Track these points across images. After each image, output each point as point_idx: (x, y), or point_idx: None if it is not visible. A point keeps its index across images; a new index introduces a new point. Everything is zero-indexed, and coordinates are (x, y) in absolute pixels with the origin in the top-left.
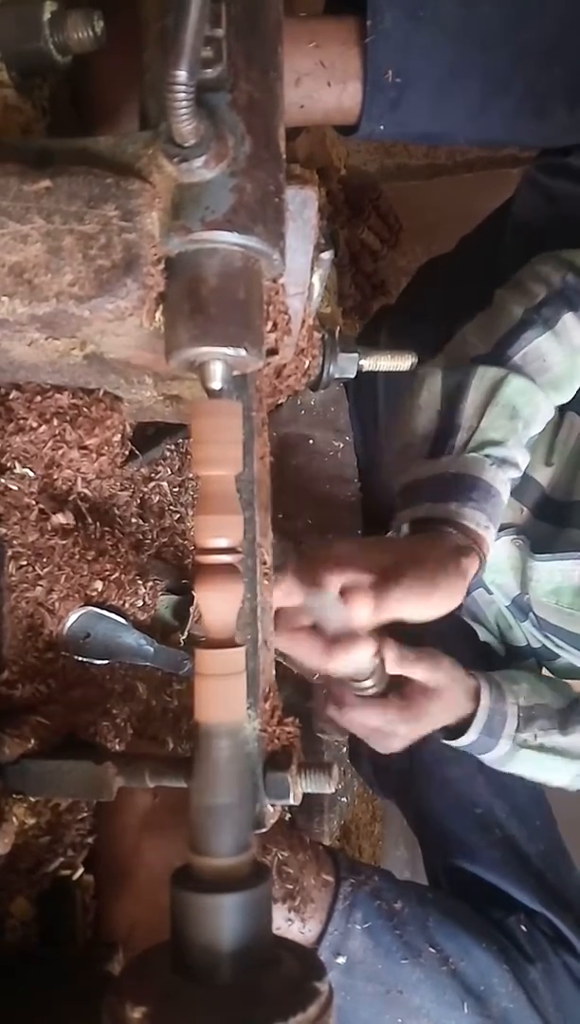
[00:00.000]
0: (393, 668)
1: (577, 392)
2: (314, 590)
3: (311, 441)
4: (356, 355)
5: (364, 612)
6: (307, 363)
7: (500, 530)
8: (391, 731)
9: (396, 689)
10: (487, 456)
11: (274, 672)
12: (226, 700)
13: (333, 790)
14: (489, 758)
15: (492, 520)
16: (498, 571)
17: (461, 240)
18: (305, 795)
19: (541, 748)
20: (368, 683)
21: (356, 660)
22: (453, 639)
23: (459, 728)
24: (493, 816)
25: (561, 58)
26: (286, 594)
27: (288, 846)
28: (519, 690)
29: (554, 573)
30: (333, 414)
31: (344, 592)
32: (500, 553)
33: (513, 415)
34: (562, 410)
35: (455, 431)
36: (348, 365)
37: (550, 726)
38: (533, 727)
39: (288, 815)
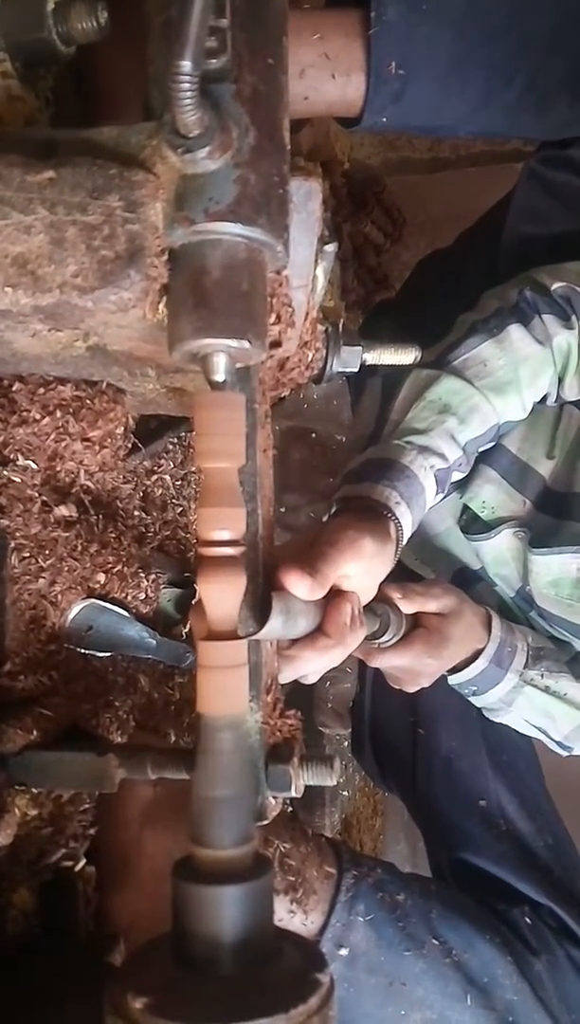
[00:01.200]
0: (406, 607)
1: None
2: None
3: (314, 434)
4: (359, 348)
5: (303, 586)
6: (310, 356)
7: (502, 523)
8: (421, 667)
9: (414, 627)
10: (408, 443)
11: (276, 665)
12: (228, 692)
13: (334, 783)
14: (492, 697)
15: (405, 499)
16: (502, 563)
17: (462, 234)
18: (306, 788)
19: (547, 690)
20: (386, 637)
21: (351, 631)
22: None
23: (466, 662)
24: (500, 809)
25: (562, 51)
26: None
27: (290, 838)
28: (527, 630)
29: (552, 566)
30: (336, 407)
31: (280, 574)
32: (501, 545)
33: (443, 410)
34: (561, 403)
35: (384, 425)
36: (351, 358)
37: (557, 668)
38: (541, 665)
39: (289, 809)
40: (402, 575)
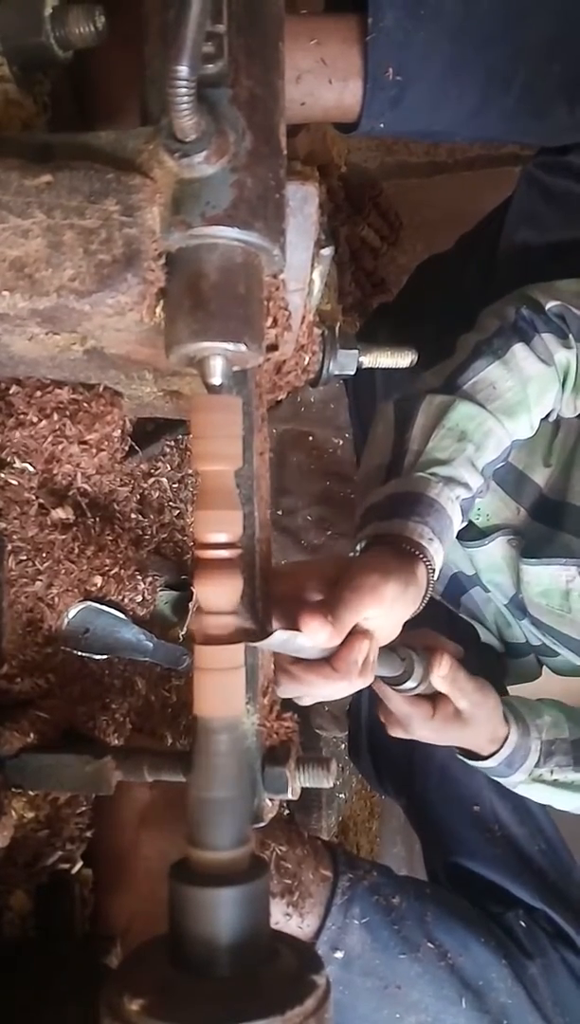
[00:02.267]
0: (441, 686)
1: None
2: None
3: (311, 438)
4: (356, 352)
5: (322, 634)
6: (307, 359)
7: (497, 530)
8: (408, 727)
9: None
10: (433, 475)
11: (273, 668)
12: (225, 695)
13: (331, 784)
14: (501, 781)
15: (437, 534)
16: (495, 570)
17: (460, 238)
18: (303, 791)
19: (555, 783)
20: (408, 685)
21: (362, 670)
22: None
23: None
24: (493, 814)
25: (560, 56)
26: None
27: (286, 841)
28: (542, 724)
29: (542, 576)
30: (333, 411)
31: (299, 622)
32: (495, 553)
33: (461, 437)
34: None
35: (404, 455)
36: (348, 362)
37: (567, 762)
38: (551, 762)
39: (286, 812)
40: None
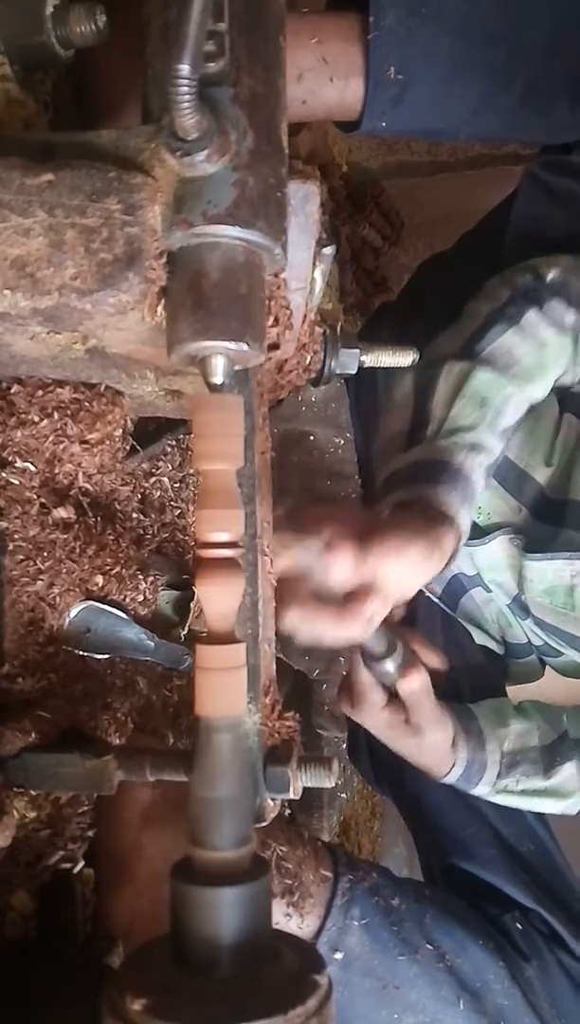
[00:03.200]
0: (404, 695)
1: (576, 394)
2: (302, 538)
3: (312, 437)
4: (357, 351)
5: (346, 565)
6: (308, 359)
7: (497, 529)
8: (359, 707)
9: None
10: (456, 442)
11: (274, 667)
12: (226, 694)
13: (333, 784)
14: (471, 792)
15: (465, 500)
16: (497, 570)
17: (462, 237)
18: (305, 791)
19: (523, 793)
20: (385, 668)
21: (369, 623)
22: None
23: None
24: (483, 814)
25: (562, 54)
26: (281, 544)
27: (287, 841)
28: (506, 735)
29: (546, 573)
30: (334, 411)
31: (329, 545)
32: (497, 552)
33: (482, 404)
34: (561, 411)
35: (426, 423)
36: (349, 361)
37: (534, 771)
38: (516, 773)
39: (288, 811)
40: None
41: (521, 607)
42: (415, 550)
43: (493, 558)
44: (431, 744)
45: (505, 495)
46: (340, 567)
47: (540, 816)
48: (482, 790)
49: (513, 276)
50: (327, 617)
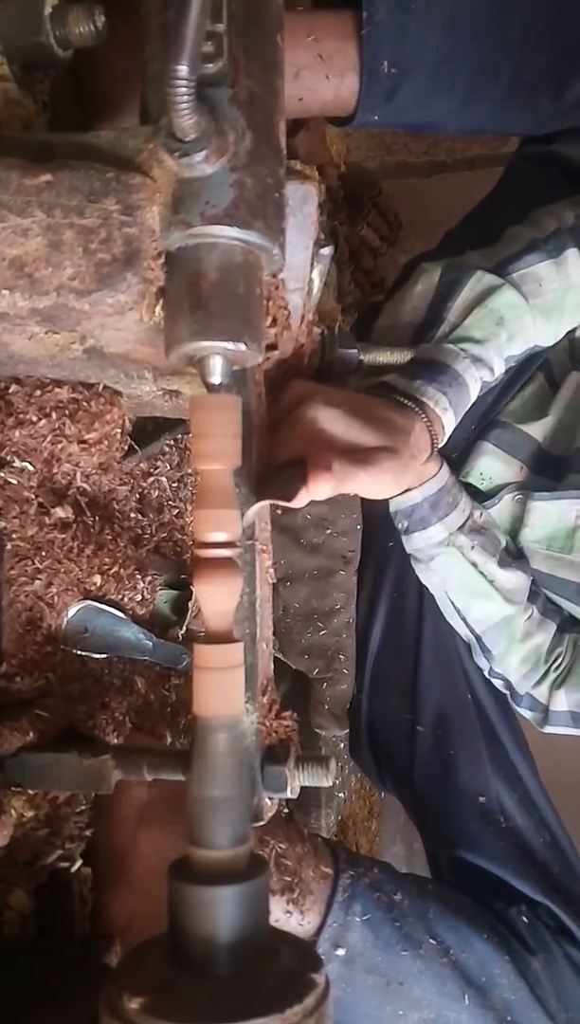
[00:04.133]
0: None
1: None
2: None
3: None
4: (355, 351)
5: (323, 485)
6: (306, 358)
7: (501, 490)
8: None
9: None
10: (463, 350)
11: (272, 667)
12: (224, 694)
13: (330, 783)
14: (418, 542)
15: (453, 407)
16: (503, 532)
17: (446, 235)
18: (302, 790)
19: (473, 565)
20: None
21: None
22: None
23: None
24: (499, 805)
25: (546, 46)
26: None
27: (286, 838)
28: (483, 510)
29: (551, 515)
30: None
31: (309, 469)
32: (505, 512)
33: (499, 322)
34: (572, 368)
35: (439, 323)
36: (347, 361)
37: (492, 553)
38: (474, 539)
39: (285, 810)
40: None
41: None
42: (390, 478)
43: (502, 518)
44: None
45: (505, 456)
46: (321, 492)
47: (553, 808)
48: (437, 532)
49: (563, 210)
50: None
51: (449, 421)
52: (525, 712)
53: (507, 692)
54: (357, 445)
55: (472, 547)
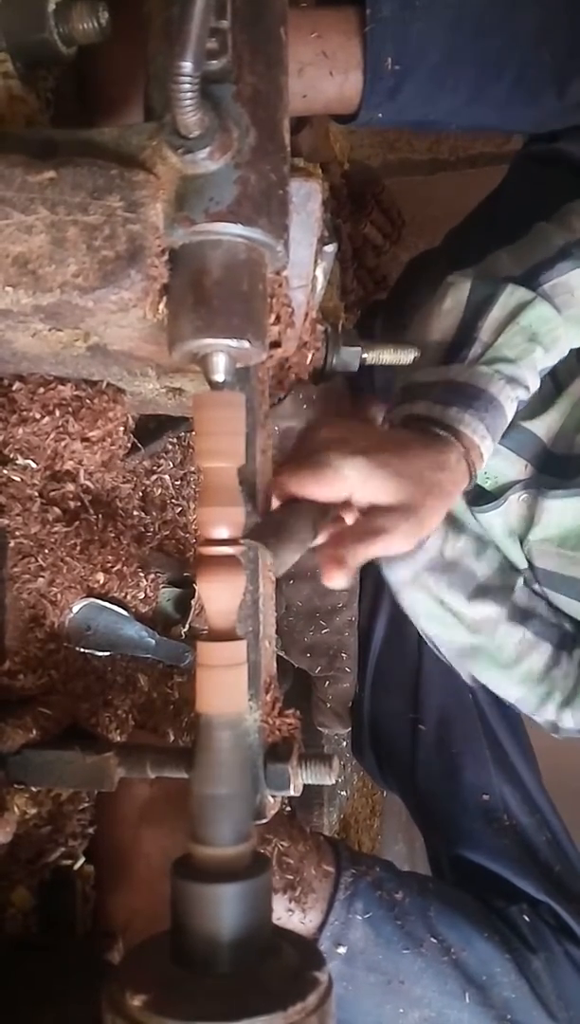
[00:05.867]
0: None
1: None
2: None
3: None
4: (359, 349)
5: (336, 578)
6: (310, 356)
7: (507, 489)
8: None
9: None
10: (497, 372)
11: (275, 664)
12: (227, 691)
13: (333, 781)
14: (387, 575)
15: (491, 432)
16: (508, 534)
17: (449, 233)
18: (305, 788)
19: (440, 602)
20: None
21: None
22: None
23: None
24: (502, 803)
25: (550, 43)
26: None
27: (288, 836)
28: (457, 545)
29: (566, 513)
30: (335, 408)
31: (323, 564)
32: (513, 512)
33: (532, 338)
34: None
35: (470, 343)
36: (350, 359)
37: (462, 588)
38: (442, 577)
39: (288, 808)
40: None
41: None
42: (429, 517)
43: (509, 517)
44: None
45: (509, 455)
46: (337, 581)
47: (554, 807)
48: (402, 573)
49: None
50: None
51: (487, 448)
52: (540, 724)
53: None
54: (375, 504)
55: (438, 584)
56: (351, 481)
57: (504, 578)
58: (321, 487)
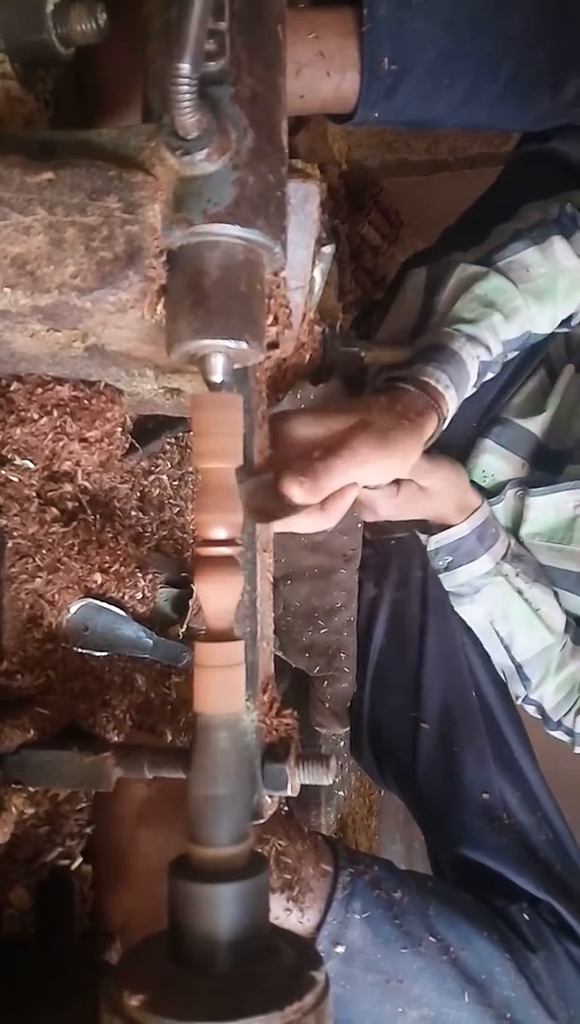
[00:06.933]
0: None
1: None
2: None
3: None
4: (357, 349)
5: (296, 493)
6: (308, 357)
7: (503, 486)
8: (376, 509)
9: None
10: (456, 330)
11: (273, 665)
12: (225, 691)
13: (330, 781)
14: (463, 575)
15: (454, 383)
16: (508, 528)
17: (443, 233)
18: (302, 788)
19: (520, 593)
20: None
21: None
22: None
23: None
24: (503, 802)
25: (544, 43)
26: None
27: (286, 836)
28: (512, 539)
29: (549, 510)
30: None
31: (277, 476)
32: (509, 509)
33: (488, 304)
34: (567, 362)
35: (430, 315)
36: (348, 359)
37: (535, 577)
38: (519, 566)
39: (285, 808)
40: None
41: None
42: (396, 453)
43: (505, 514)
44: (447, 488)
45: (506, 453)
46: (294, 496)
47: (556, 805)
48: (484, 563)
49: (548, 204)
50: (305, 517)
51: (451, 397)
52: (558, 735)
53: (540, 717)
54: (331, 434)
55: (516, 574)
56: (303, 433)
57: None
58: (284, 459)
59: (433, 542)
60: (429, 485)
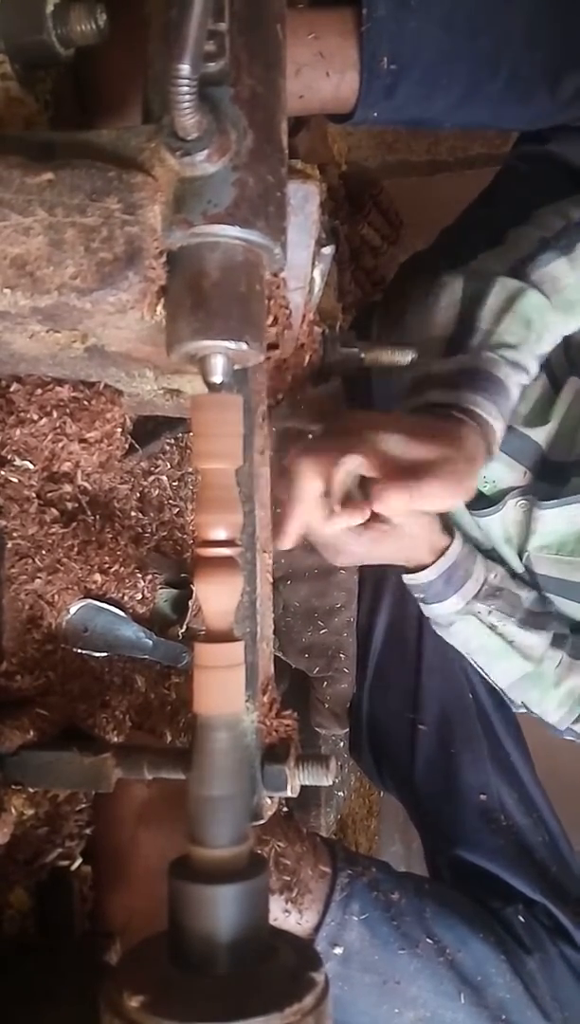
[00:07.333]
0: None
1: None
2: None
3: (310, 436)
4: (356, 350)
5: (399, 505)
6: (307, 358)
7: (506, 494)
8: (341, 547)
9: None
10: (502, 356)
11: (273, 666)
12: (224, 692)
13: (330, 782)
14: (436, 610)
15: (502, 414)
16: (508, 536)
17: (442, 233)
18: (302, 788)
19: (491, 628)
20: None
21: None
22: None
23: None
24: (500, 803)
25: (543, 42)
26: (307, 479)
27: (285, 837)
28: (497, 571)
29: (559, 522)
30: (332, 409)
31: (373, 486)
32: (510, 517)
33: (528, 325)
34: (569, 373)
35: (472, 332)
36: (348, 360)
37: (510, 613)
38: (493, 603)
39: (285, 809)
40: None
41: (529, 572)
42: (463, 489)
43: (506, 523)
44: (418, 528)
45: (510, 461)
46: (393, 508)
47: (551, 807)
48: (454, 603)
49: (568, 207)
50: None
51: (500, 430)
52: (570, 738)
53: (548, 723)
54: (417, 462)
55: (490, 612)
56: (394, 453)
57: (544, 604)
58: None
59: (406, 579)
60: (402, 521)
